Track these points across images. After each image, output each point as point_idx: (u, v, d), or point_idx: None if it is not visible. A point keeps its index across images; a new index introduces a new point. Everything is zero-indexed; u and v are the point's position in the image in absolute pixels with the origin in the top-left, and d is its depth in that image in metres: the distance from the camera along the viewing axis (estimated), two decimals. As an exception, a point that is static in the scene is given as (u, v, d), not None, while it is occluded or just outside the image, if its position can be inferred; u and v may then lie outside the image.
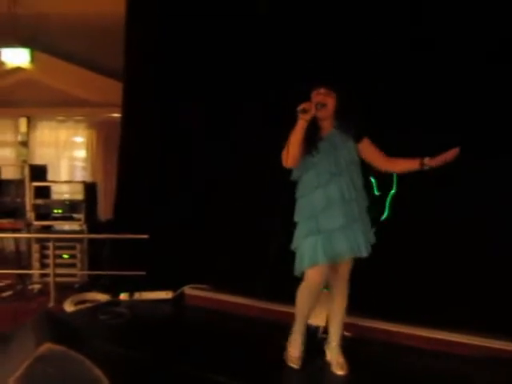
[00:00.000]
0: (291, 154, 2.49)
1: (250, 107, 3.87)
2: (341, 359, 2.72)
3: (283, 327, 3.27)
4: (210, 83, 4.08)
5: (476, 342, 2.90)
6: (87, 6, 5.30)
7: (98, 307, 3.76)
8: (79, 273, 4.61)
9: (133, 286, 4.01)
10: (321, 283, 2.68)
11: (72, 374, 1.86)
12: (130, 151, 4.52)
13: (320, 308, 3.30)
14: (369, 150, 2.60)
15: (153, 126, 4.36)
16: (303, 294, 2.73)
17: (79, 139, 7.10)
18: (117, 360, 2.47)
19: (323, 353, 2.91)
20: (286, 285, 3.48)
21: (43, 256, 4.57)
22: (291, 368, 2.72)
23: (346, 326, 3.13)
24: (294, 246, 2.71)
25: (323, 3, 3.56)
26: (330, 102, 2.54)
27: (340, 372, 2.67)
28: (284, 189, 3.47)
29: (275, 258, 3.68)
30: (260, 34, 3.82)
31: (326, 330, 3.20)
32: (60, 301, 4.03)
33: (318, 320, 3.29)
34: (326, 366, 2.78)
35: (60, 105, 6.39)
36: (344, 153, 2.55)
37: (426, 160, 2.42)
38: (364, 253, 2.59)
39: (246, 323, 3.49)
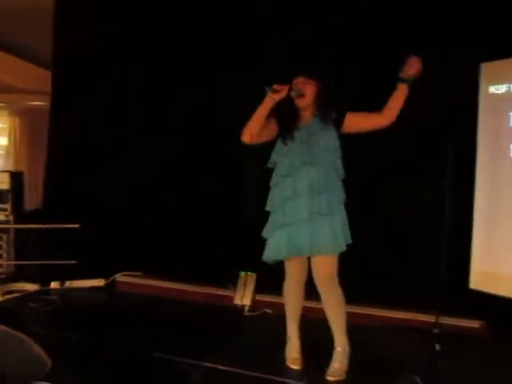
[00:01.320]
0: (249, 129, 2.39)
1: (186, 88, 3.98)
2: (335, 365, 2.46)
3: (216, 309, 3.58)
4: (142, 68, 4.16)
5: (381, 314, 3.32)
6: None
7: (28, 296, 3.77)
8: (5, 263, 4.53)
9: (64, 275, 4.04)
10: (297, 278, 2.56)
11: (13, 352, 1.99)
12: (60, 139, 4.50)
13: (246, 289, 3.63)
14: (357, 119, 2.43)
15: (83, 113, 4.34)
16: (284, 291, 2.66)
17: (1, 126, 6.83)
18: (52, 342, 2.57)
19: (247, 331, 3.17)
20: (213, 268, 3.81)
21: (-34, 247, 4.44)
22: (218, 342, 2.94)
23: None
24: (264, 235, 2.57)
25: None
26: (310, 91, 2.43)
27: (329, 377, 2.43)
28: (213, 175, 3.81)
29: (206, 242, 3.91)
30: (198, 20, 3.95)
31: (251, 309, 3.55)
32: (-14, 292, 3.96)
33: (243, 300, 3.61)
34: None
35: (-19, 90, 6.13)
36: (320, 141, 2.40)
37: (402, 74, 2.29)
38: (328, 251, 2.39)
39: (177, 306, 3.68)
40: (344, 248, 2.42)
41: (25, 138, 6.80)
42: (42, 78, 5.11)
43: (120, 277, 4.13)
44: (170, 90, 4.11)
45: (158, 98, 4.16)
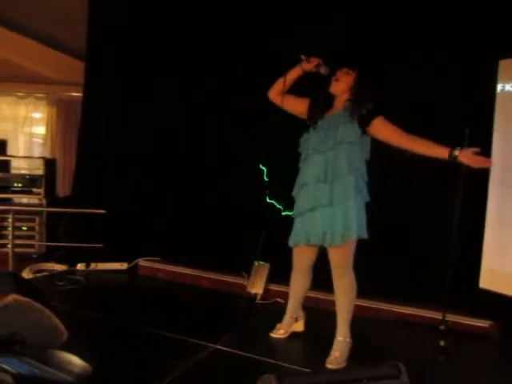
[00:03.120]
0: (274, 86, 2.61)
1: (223, 83, 4.06)
2: (335, 353, 2.50)
3: (229, 295, 3.71)
4: (173, 62, 4.28)
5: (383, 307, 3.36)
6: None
7: (56, 275, 4.01)
8: (38, 244, 4.81)
9: (90, 257, 4.27)
10: (300, 266, 2.67)
11: (33, 321, 2.17)
12: (90, 129, 4.73)
13: (260, 278, 3.74)
14: (383, 129, 2.39)
15: (114, 105, 4.53)
16: (291, 274, 2.79)
17: (39, 116, 7.16)
18: (74, 317, 2.77)
19: (257, 318, 3.29)
20: (229, 257, 3.94)
21: (2, 228, 4.75)
22: (228, 326, 3.05)
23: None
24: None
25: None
26: (344, 80, 2.45)
27: (328, 365, 2.46)
28: (237, 165, 3.92)
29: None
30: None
31: (263, 298, 3.66)
32: (18, 270, 4.23)
33: (256, 288, 3.72)
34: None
35: (20, 80, 6.45)
36: (338, 133, 2.40)
37: (457, 152, 2.26)
38: (328, 242, 2.44)
39: (192, 291, 3.85)
40: (349, 238, 2.42)
41: (61, 127, 7.09)
42: (78, 69, 5.33)
43: (141, 261, 4.32)
44: (198, 82, 4.21)
45: (187, 93, 4.27)
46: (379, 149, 2.92)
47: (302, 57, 2.48)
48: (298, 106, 2.64)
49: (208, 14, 4.14)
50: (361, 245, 2.54)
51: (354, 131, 2.41)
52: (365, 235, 2.48)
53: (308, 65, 2.52)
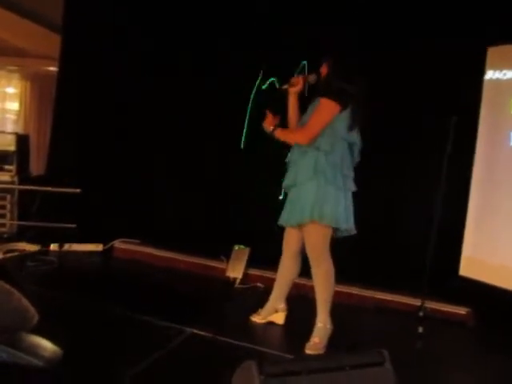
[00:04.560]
0: (290, 127, 2.56)
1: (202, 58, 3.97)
2: (315, 339, 2.49)
3: (208, 279, 3.64)
4: (149, 38, 4.14)
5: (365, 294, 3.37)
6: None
7: (27, 255, 3.86)
8: (8, 222, 4.64)
9: (63, 238, 4.13)
10: (287, 249, 2.64)
11: (1, 303, 2.05)
12: (66, 105, 4.54)
13: (239, 262, 3.68)
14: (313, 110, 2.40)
15: (90, 81, 4.37)
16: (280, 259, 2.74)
17: (12, 90, 6.89)
18: (45, 300, 2.65)
19: (236, 302, 3.23)
20: (208, 240, 3.87)
21: (-29, 205, 4.55)
22: (206, 310, 3.00)
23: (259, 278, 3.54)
24: None
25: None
26: (324, 71, 2.45)
27: (307, 351, 2.45)
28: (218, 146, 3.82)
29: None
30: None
31: (242, 282, 3.61)
32: (-12, 249, 4.08)
33: (235, 273, 3.66)
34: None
35: (-7, 53, 6.16)
36: (305, 115, 2.47)
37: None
38: (293, 222, 2.48)
39: (171, 274, 3.75)
40: (302, 221, 2.41)
41: (35, 103, 6.86)
42: (54, 43, 5.11)
43: (118, 243, 4.19)
44: (178, 62, 4.09)
45: (167, 70, 4.13)
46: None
47: (284, 87, 2.48)
48: None
49: None
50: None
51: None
52: (337, 224, 2.41)
53: (295, 87, 2.50)
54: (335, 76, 2.40)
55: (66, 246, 4.15)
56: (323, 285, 2.53)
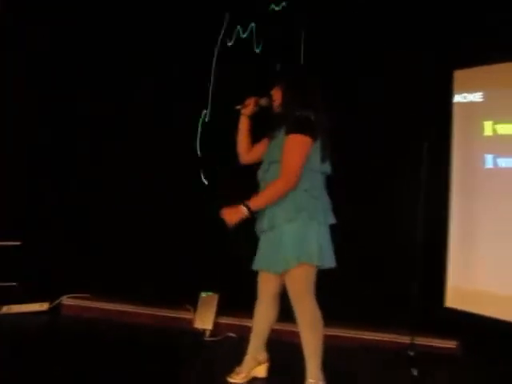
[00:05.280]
0: (239, 153, 2.46)
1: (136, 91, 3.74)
2: None
3: (173, 333, 3.27)
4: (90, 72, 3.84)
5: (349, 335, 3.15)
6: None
7: (-43, 324, 3.32)
8: None
9: (1, 298, 3.61)
10: (263, 293, 2.42)
11: None
12: (1, 149, 4.07)
13: (207, 311, 3.34)
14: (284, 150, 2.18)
15: (26, 119, 3.93)
16: (255, 304, 2.52)
17: None
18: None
19: (208, 358, 2.90)
20: (170, 288, 3.51)
21: None
22: (175, 372, 2.63)
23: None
24: None
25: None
26: (277, 96, 2.30)
27: None
28: (175, 181, 3.55)
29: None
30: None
31: (213, 334, 3.26)
32: None
33: (204, 323, 3.31)
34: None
35: None
36: (270, 153, 2.28)
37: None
38: (271, 270, 2.30)
39: (129, 331, 3.36)
40: (289, 266, 2.18)
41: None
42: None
43: (66, 299, 3.74)
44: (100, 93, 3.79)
45: (111, 100, 3.82)
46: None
47: (238, 107, 2.41)
48: (264, 149, 2.40)
49: None
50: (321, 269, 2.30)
51: (281, 148, 2.19)
52: (323, 262, 2.20)
53: (247, 109, 2.41)
54: (295, 103, 2.23)
55: (5, 309, 3.62)
56: (311, 333, 2.28)
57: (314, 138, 2.16)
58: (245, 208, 2.13)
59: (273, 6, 2.58)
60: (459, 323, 2.86)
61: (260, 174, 2.32)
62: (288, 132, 2.14)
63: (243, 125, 2.44)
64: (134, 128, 3.76)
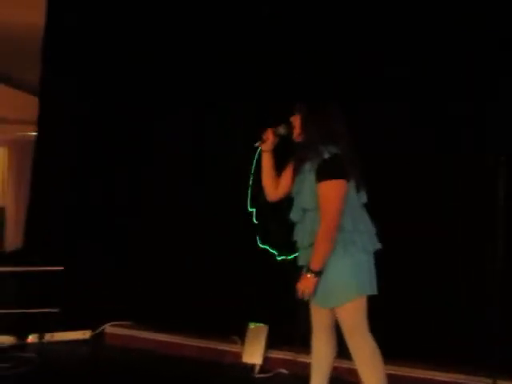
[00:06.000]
0: (266, 191, 2.33)
1: (173, 121, 3.67)
2: None
3: (220, 367, 3.07)
4: (130, 97, 3.81)
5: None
6: (1, 16, 4.87)
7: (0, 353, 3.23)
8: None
9: (44, 325, 3.57)
10: (317, 325, 2.27)
11: None
12: (45, 171, 4.07)
13: (256, 344, 3.09)
14: (319, 199, 2.09)
15: (70, 145, 3.96)
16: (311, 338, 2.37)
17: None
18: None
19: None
20: (217, 319, 3.31)
21: None
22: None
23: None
24: None
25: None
26: (297, 123, 2.18)
27: None
28: (222, 209, 3.42)
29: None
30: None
31: (262, 370, 3.00)
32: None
33: (253, 357, 3.06)
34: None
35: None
36: (301, 199, 2.16)
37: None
38: (324, 305, 2.18)
39: (174, 363, 3.19)
40: (335, 305, 2.08)
41: (13, 171, 6.39)
42: (32, 107, 4.73)
43: (109, 327, 3.64)
44: (160, 120, 3.74)
45: (151, 131, 3.78)
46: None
47: (257, 144, 2.27)
48: (291, 180, 2.26)
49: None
50: (386, 302, 2.24)
51: (314, 195, 2.07)
52: (366, 291, 2.09)
53: (267, 144, 2.25)
54: (317, 134, 2.10)
55: (48, 336, 3.55)
56: (369, 371, 2.09)
57: (347, 178, 2.04)
58: (312, 275, 2.04)
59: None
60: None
61: (295, 217, 2.20)
62: (319, 179, 2.03)
63: (266, 161, 2.29)
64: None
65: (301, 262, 2.21)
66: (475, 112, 2.82)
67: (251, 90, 3.36)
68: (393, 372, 2.63)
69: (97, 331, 3.61)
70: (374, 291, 2.10)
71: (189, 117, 3.64)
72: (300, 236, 2.18)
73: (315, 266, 2.03)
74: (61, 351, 3.38)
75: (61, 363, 3.19)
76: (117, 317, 3.63)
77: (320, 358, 2.27)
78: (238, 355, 3.13)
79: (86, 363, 3.30)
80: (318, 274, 2.03)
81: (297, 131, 2.18)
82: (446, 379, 2.74)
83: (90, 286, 3.68)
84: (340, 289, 2.06)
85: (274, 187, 2.30)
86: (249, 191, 3.29)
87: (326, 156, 2.03)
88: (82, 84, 3.98)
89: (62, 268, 3.67)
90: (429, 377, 2.76)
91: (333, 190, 2.01)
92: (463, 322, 2.72)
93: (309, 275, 2.03)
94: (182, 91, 3.67)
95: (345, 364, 2.55)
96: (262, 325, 3.15)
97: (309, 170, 2.08)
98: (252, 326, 3.17)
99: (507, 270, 2.47)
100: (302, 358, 2.95)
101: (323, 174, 2.02)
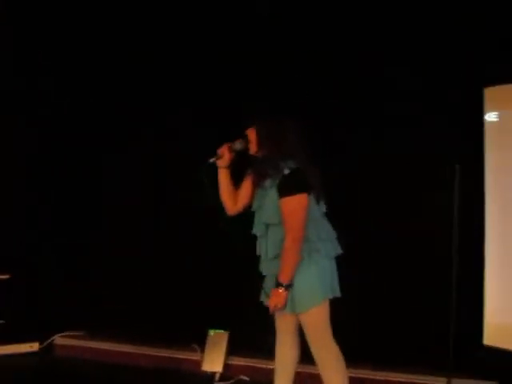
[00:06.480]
0: (225, 206, 2.27)
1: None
2: None
3: (179, 377, 3.00)
4: (90, 96, 3.63)
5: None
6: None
7: None
8: None
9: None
10: (281, 329, 2.27)
11: None
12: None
13: (217, 351, 3.05)
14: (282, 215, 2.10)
15: (16, 148, 3.69)
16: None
17: None
18: None
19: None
20: (175, 326, 3.24)
21: None
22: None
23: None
24: None
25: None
26: (252, 137, 2.17)
27: None
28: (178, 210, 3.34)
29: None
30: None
31: (223, 377, 2.96)
32: None
33: (213, 365, 3.01)
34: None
35: None
36: (263, 214, 2.15)
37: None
38: (288, 310, 2.16)
39: (130, 374, 3.10)
40: (298, 310, 2.08)
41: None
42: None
43: (59, 339, 3.50)
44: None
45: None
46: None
47: (211, 160, 2.21)
48: (250, 193, 2.26)
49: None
50: (345, 305, 2.17)
51: (276, 210, 2.09)
52: (329, 296, 2.12)
53: (223, 160, 2.21)
54: (274, 151, 2.10)
55: (-9, 350, 3.31)
56: (333, 377, 2.12)
57: (308, 191, 2.07)
58: (282, 288, 2.03)
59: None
60: (499, 362, 2.59)
61: (257, 231, 2.19)
62: (281, 195, 2.04)
63: (223, 177, 2.24)
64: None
65: (265, 272, 2.21)
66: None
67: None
68: (353, 375, 2.68)
69: (46, 343, 3.46)
70: (337, 293, 2.14)
71: (164, 115, 3.51)
72: (264, 249, 2.17)
73: (285, 279, 2.03)
74: (7, 365, 3.17)
75: (7, 378, 3.00)
76: (67, 327, 3.50)
77: (284, 363, 2.27)
78: (198, 363, 3.08)
79: (35, 377, 3.11)
80: (288, 286, 2.02)
81: (253, 145, 2.17)
82: (402, 380, 2.81)
83: (37, 295, 3.52)
84: (306, 295, 2.07)
85: (232, 202, 2.27)
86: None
87: (286, 172, 2.04)
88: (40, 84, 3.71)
89: (7, 276, 3.46)
90: (388, 378, 2.83)
91: (296, 205, 2.03)
92: (418, 323, 2.80)
93: (280, 290, 2.02)
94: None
95: (307, 369, 2.56)
96: (222, 331, 3.12)
97: (270, 186, 2.09)
98: (212, 332, 3.13)
99: (462, 272, 2.58)
100: (262, 364, 2.95)
101: (285, 189, 2.03)
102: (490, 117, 2.65)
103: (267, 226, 2.13)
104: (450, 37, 2.80)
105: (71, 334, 3.50)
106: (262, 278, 2.22)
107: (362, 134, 2.96)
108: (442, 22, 2.84)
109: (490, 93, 2.64)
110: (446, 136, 2.74)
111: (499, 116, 2.62)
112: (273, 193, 2.07)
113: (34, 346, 3.42)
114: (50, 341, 3.47)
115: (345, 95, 3.00)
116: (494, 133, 2.63)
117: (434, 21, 2.85)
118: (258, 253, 2.22)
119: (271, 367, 2.34)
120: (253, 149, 2.18)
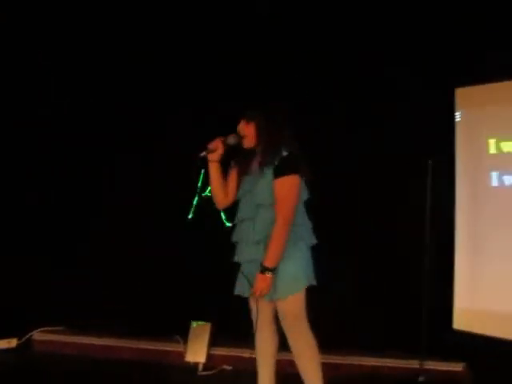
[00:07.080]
0: (215, 200, 2.30)
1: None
2: None
3: (162, 368, 3.04)
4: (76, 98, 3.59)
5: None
6: None
7: None
8: None
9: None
10: (260, 319, 2.24)
11: None
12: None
13: (199, 342, 3.11)
14: (275, 195, 2.15)
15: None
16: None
17: None
18: None
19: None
20: (157, 318, 3.26)
21: None
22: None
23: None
24: None
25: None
26: (247, 132, 2.19)
27: None
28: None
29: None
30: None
31: (206, 367, 3.03)
32: None
33: (196, 356, 3.07)
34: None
35: None
36: (256, 196, 2.18)
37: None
38: (267, 297, 2.19)
39: (112, 368, 3.10)
40: (277, 297, 2.12)
41: None
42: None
43: (37, 334, 3.45)
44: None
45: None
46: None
47: (202, 154, 2.21)
48: (237, 184, 2.32)
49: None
50: (320, 293, 2.23)
51: (271, 191, 2.15)
52: (311, 283, 2.19)
53: (215, 154, 2.22)
54: (276, 140, 2.16)
55: (-34, 347, 3.25)
56: (307, 362, 2.20)
57: (301, 174, 2.15)
58: (269, 273, 2.07)
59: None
60: (467, 345, 2.78)
61: (246, 214, 2.21)
62: (277, 175, 2.11)
63: (214, 172, 2.25)
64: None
65: (246, 258, 2.21)
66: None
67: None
68: (328, 361, 2.80)
69: (24, 338, 3.39)
70: (313, 282, 2.19)
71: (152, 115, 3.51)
72: (246, 233, 2.19)
73: (271, 263, 2.06)
74: (-17, 363, 3.12)
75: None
76: (45, 322, 3.45)
77: (265, 351, 2.32)
78: (181, 355, 3.12)
79: (14, 373, 3.04)
80: (273, 270, 2.06)
81: (250, 139, 2.19)
82: (377, 364, 2.97)
83: (13, 287, 3.42)
84: (289, 282, 2.10)
85: (223, 196, 2.30)
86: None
87: (284, 154, 2.12)
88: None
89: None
90: (362, 363, 2.97)
91: (291, 187, 2.10)
92: (391, 309, 2.95)
93: (267, 274, 2.05)
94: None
95: (286, 356, 2.65)
96: (204, 323, 3.18)
97: (265, 170, 2.13)
98: (195, 324, 3.18)
99: (433, 261, 2.75)
100: (245, 354, 3.02)
101: (281, 170, 2.09)
102: (461, 116, 2.82)
103: (258, 207, 2.15)
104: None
105: (50, 329, 3.45)
106: (237, 267, 2.24)
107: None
108: (442, 23, 2.94)
109: (461, 93, 2.80)
110: (421, 135, 2.89)
111: (469, 115, 2.78)
112: (269, 174, 2.12)
113: (11, 342, 3.36)
114: (28, 336, 3.41)
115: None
116: (464, 131, 2.80)
117: (435, 21, 2.96)
118: (234, 239, 2.24)
119: (254, 356, 2.39)
120: (249, 143, 2.20)
